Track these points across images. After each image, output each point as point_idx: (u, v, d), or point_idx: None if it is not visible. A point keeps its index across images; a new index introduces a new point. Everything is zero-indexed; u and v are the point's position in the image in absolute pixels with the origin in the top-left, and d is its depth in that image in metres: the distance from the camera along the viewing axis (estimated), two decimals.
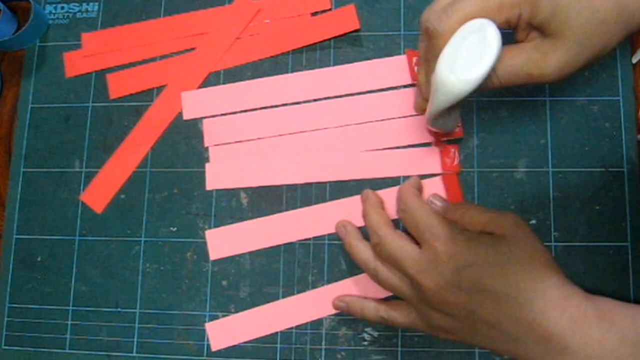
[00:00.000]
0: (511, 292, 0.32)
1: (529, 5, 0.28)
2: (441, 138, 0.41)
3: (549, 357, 0.32)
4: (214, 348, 0.41)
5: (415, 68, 0.34)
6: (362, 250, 0.38)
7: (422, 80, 0.34)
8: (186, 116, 0.45)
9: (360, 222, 0.41)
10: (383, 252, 0.36)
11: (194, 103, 0.44)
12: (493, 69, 0.28)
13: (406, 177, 0.42)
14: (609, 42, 0.29)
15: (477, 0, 0.28)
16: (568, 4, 0.28)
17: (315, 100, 0.43)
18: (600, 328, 0.32)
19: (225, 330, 0.41)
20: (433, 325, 0.35)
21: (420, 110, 0.37)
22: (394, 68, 0.43)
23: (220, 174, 0.43)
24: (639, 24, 0.29)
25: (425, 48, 0.31)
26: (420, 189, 0.39)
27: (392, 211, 0.40)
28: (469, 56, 0.27)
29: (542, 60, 0.29)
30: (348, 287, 0.41)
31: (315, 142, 0.43)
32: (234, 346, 0.41)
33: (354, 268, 0.41)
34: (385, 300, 0.39)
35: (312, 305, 0.41)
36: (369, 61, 0.43)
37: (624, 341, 0.31)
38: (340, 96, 0.43)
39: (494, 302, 0.33)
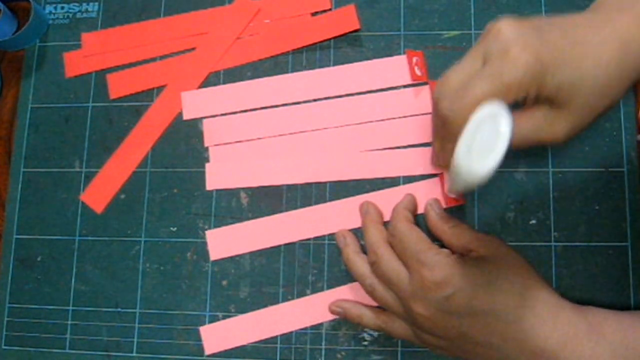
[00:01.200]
0: (500, 311, 0.33)
1: (535, 85, 0.28)
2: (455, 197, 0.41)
3: None
4: (207, 352, 0.41)
5: (431, 137, 0.37)
6: (359, 265, 0.38)
7: (437, 148, 0.35)
8: (186, 116, 0.45)
9: (358, 222, 0.41)
10: (379, 271, 0.36)
11: (194, 103, 0.44)
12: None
13: (406, 177, 0.42)
14: (614, 100, 0.30)
15: (486, 84, 0.28)
16: (571, 78, 0.28)
17: (315, 100, 0.43)
18: (590, 341, 0.32)
19: (219, 334, 0.41)
20: (427, 343, 0.36)
21: (437, 169, 0.40)
22: (394, 68, 0.43)
23: (220, 174, 0.43)
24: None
25: (438, 127, 0.32)
26: (414, 210, 0.40)
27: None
28: (484, 145, 0.28)
29: (550, 127, 0.30)
30: (345, 294, 0.41)
31: (315, 142, 0.43)
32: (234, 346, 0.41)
33: None
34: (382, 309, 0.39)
35: (309, 311, 0.41)
36: (369, 61, 0.43)
37: (615, 354, 0.32)
38: (340, 96, 0.43)
39: (485, 323, 0.33)
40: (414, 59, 0.43)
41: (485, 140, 0.28)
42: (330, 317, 0.41)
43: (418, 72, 0.42)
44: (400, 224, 0.36)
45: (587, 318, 0.33)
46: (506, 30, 0.29)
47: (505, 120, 0.28)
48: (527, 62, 0.28)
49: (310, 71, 0.44)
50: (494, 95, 0.28)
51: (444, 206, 0.40)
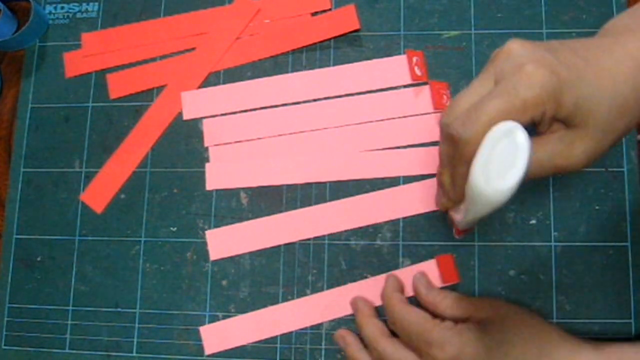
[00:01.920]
0: None
1: (552, 102, 0.27)
2: (463, 232, 0.40)
3: None
4: (207, 352, 0.41)
5: (438, 169, 0.34)
6: None
7: (446, 182, 0.32)
8: (186, 116, 0.45)
9: (358, 222, 0.41)
10: None
11: (194, 103, 0.44)
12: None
13: (406, 177, 0.42)
14: (631, 122, 0.28)
15: (500, 102, 0.27)
16: (589, 95, 0.27)
17: (315, 100, 0.43)
18: None
19: (219, 334, 0.41)
20: None
21: (444, 209, 0.36)
22: (394, 68, 0.43)
23: (220, 174, 0.43)
24: None
25: (448, 153, 0.30)
26: (401, 289, 0.39)
27: (395, 211, 0.40)
28: (502, 164, 0.26)
29: (568, 151, 0.29)
30: (345, 294, 0.41)
31: (315, 142, 0.43)
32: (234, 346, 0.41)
33: (353, 269, 0.41)
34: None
35: (309, 311, 0.41)
36: (369, 61, 0.43)
37: None
38: (340, 96, 0.43)
39: None
40: (414, 59, 0.43)
41: (503, 158, 0.26)
42: (330, 317, 0.41)
43: (418, 72, 0.42)
44: (397, 308, 0.36)
45: (608, 355, 0.33)
46: (517, 49, 0.28)
47: (523, 134, 0.26)
48: (544, 77, 0.26)
49: (310, 71, 0.44)
50: (509, 114, 0.27)
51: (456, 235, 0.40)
